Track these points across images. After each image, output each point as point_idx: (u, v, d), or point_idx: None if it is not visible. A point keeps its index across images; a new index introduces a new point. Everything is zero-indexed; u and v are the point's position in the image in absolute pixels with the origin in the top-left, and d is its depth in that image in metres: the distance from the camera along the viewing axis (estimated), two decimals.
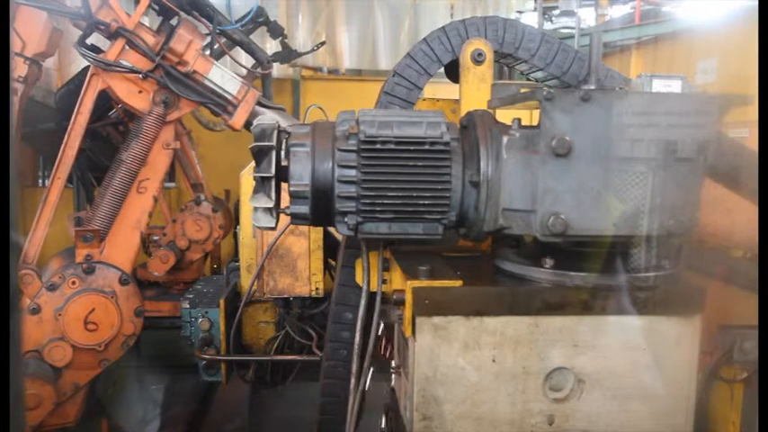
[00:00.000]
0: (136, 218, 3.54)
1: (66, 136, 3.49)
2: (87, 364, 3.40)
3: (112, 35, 3.37)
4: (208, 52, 3.65)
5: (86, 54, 3.39)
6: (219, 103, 3.58)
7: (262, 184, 2.00)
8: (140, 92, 3.48)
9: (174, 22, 3.59)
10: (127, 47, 3.40)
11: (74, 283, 3.35)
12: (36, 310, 3.29)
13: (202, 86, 3.53)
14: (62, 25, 3.69)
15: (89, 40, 3.52)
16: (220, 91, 3.56)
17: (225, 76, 3.56)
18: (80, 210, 4.73)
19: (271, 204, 1.99)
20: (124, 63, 3.42)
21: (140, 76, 3.42)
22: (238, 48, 4.12)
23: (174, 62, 3.46)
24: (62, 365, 3.31)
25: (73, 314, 3.32)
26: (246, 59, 4.26)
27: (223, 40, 3.93)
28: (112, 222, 3.49)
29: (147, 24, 3.59)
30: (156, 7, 3.48)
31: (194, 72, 3.48)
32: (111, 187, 3.50)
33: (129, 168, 3.47)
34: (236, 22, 3.88)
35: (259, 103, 3.70)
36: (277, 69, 4.88)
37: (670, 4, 8.08)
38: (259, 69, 4.15)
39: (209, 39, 3.66)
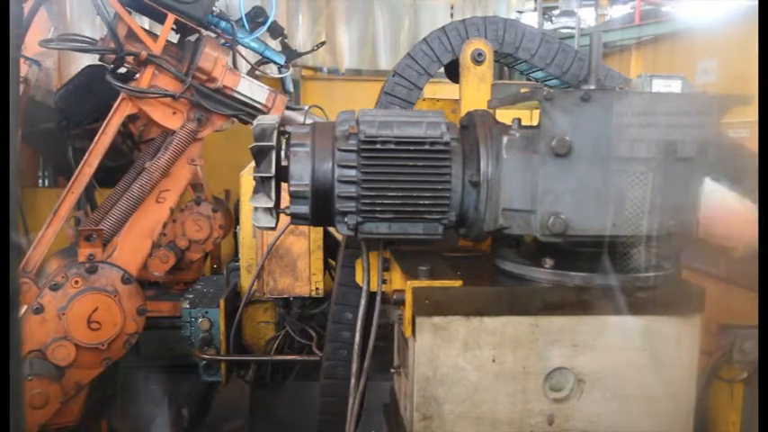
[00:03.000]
0: (150, 226, 3.57)
1: (87, 153, 3.53)
2: (90, 362, 3.41)
3: (142, 63, 3.42)
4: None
5: (121, 86, 3.45)
6: (251, 114, 3.65)
7: (262, 184, 2.00)
8: (174, 113, 3.54)
9: (192, 38, 3.64)
10: (156, 71, 3.46)
11: (77, 282, 3.36)
12: (39, 310, 3.30)
13: (233, 99, 3.60)
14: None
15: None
16: (250, 101, 3.63)
17: (252, 86, 3.63)
18: (79, 210, 4.72)
19: (271, 204, 1.99)
20: (159, 89, 3.48)
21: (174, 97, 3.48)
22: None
23: (203, 80, 3.52)
24: (65, 365, 3.33)
25: (76, 313, 3.33)
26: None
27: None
28: (121, 226, 3.51)
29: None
30: (175, 26, 3.51)
31: (224, 87, 3.54)
32: (128, 192, 3.53)
33: (151, 178, 3.49)
34: (252, 33, 3.92)
35: (287, 107, 3.77)
36: (277, 69, 4.90)
37: (670, 4, 8.09)
38: (276, 73, 4.21)
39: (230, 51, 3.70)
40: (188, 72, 3.45)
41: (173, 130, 3.55)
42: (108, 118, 3.51)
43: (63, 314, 3.31)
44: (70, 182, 3.51)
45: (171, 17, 3.38)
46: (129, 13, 3.41)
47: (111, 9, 3.33)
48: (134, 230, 3.52)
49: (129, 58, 3.40)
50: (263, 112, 3.65)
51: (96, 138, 3.52)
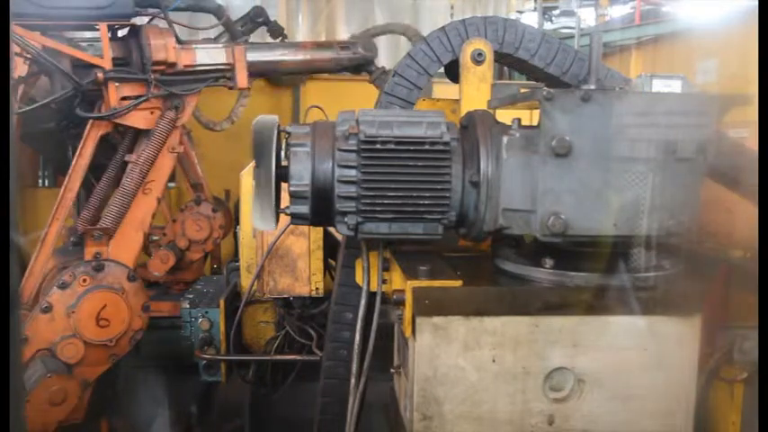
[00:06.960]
0: (140, 218, 3.62)
1: (66, 178, 3.58)
2: (97, 359, 3.47)
3: (102, 83, 3.47)
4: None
5: (91, 116, 3.51)
6: (220, 77, 3.73)
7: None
8: (152, 112, 3.59)
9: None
10: (117, 84, 3.50)
11: (85, 280, 3.41)
12: (48, 309, 3.35)
13: (197, 73, 3.66)
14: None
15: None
16: (214, 67, 3.70)
17: (210, 52, 3.69)
18: (80, 210, 4.73)
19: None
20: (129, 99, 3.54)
21: (144, 100, 3.54)
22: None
23: (163, 70, 3.56)
24: (74, 362, 3.38)
25: (86, 311, 3.38)
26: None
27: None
28: (121, 221, 3.56)
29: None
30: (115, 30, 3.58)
31: (185, 67, 3.60)
32: (121, 187, 3.57)
33: (142, 171, 3.55)
34: None
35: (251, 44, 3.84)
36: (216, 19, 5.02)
37: (670, 4, 8.09)
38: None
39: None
40: (145, 70, 3.50)
41: None
42: (81, 144, 3.57)
43: (72, 312, 3.36)
44: (54, 208, 3.57)
45: (103, 26, 3.42)
46: (71, 42, 3.47)
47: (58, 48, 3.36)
48: (125, 224, 3.58)
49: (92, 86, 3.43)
50: (230, 71, 3.73)
51: (73, 162, 3.58)
